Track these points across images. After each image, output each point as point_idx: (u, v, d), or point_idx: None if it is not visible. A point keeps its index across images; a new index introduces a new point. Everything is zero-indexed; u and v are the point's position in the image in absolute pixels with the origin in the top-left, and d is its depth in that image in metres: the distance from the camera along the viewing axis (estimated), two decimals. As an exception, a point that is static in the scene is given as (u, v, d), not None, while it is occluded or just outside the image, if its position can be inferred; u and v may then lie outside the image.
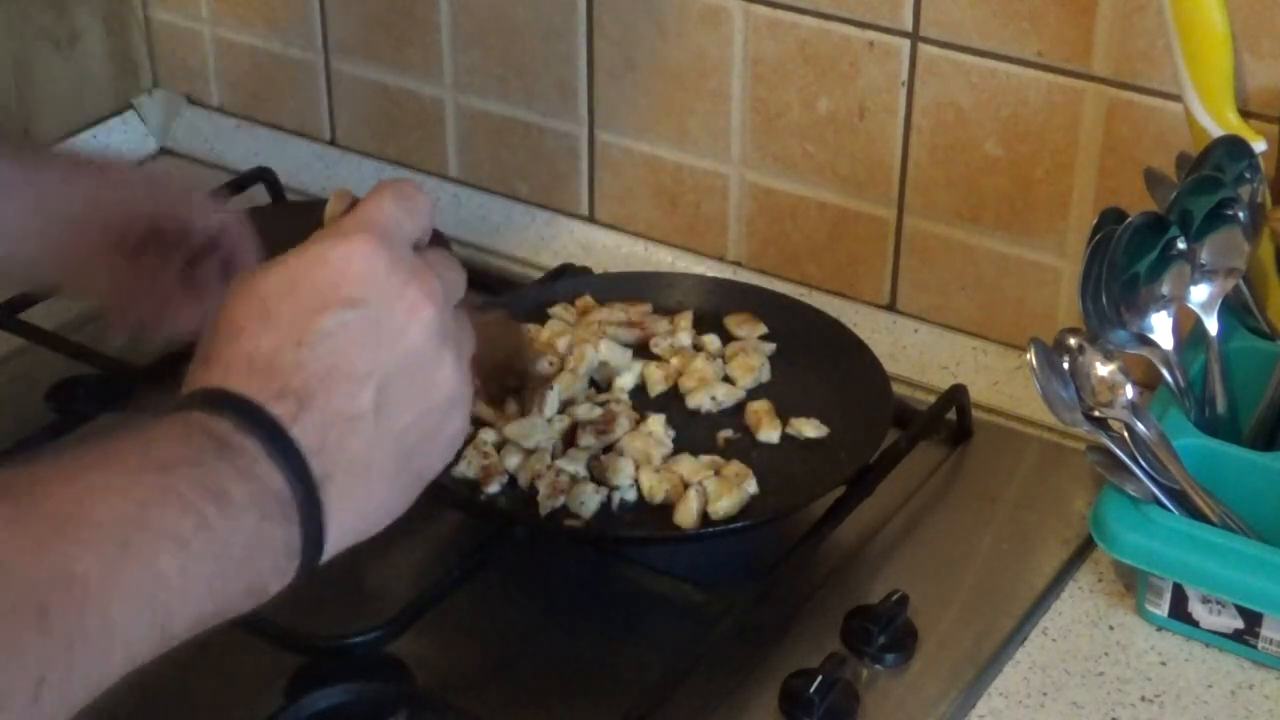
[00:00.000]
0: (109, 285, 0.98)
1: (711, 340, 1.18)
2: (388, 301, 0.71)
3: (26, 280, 0.98)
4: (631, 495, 1.04)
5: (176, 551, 0.64)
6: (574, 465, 1.05)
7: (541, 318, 1.21)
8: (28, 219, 0.98)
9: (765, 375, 1.15)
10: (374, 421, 0.71)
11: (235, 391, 0.69)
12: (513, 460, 1.06)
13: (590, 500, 1.03)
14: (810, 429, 1.10)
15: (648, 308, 1.21)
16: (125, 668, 0.63)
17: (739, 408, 1.13)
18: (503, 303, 1.22)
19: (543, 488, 1.03)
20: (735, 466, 1.06)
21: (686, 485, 1.04)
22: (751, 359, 1.15)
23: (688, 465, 1.05)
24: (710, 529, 1.02)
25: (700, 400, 1.12)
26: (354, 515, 0.71)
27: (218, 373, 0.70)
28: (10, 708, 0.58)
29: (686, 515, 1.02)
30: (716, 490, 1.03)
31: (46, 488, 0.63)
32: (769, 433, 1.09)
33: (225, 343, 0.71)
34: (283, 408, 0.69)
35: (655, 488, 1.04)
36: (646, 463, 1.05)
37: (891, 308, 1.29)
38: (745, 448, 1.09)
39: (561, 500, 1.03)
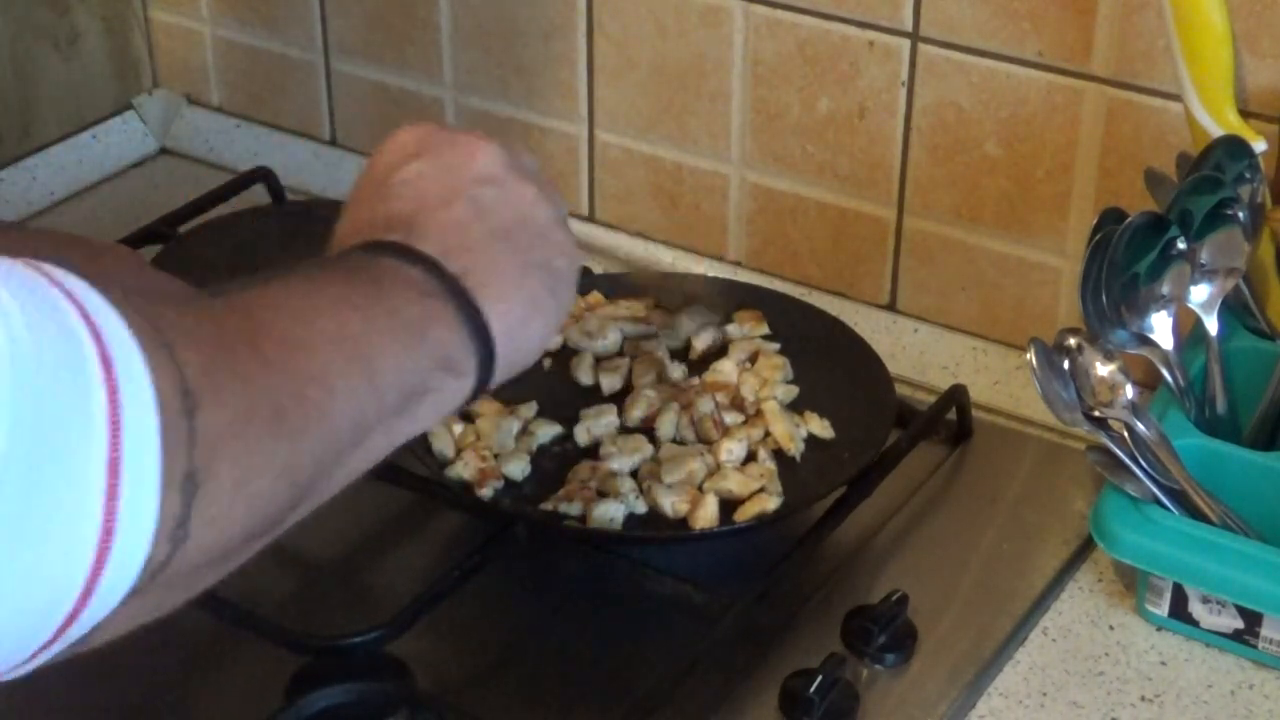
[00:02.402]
0: None
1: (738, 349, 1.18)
2: (445, 148, 0.83)
3: None
4: (642, 508, 1.05)
5: (355, 313, 0.71)
6: (621, 464, 1.07)
7: None
8: None
9: (789, 374, 1.15)
10: (479, 225, 0.80)
11: (353, 243, 0.78)
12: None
13: (616, 512, 1.03)
14: (820, 428, 1.10)
15: (651, 302, 1.22)
16: (353, 422, 0.69)
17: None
18: None
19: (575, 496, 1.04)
20: (763, 468, 1.06)
21: (702, 489, 1.05)
22: (774, 359, 1.16)
23: (736, 480, 1.05)
24: (710, 529, 1.02)
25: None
26: (505, 301, 0.78)
27: (333, 250, 0.80)
28: (257, 423, 0.63)
29: (704, 516, 1.02)
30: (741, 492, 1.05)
31: (229, 291, 0.69)
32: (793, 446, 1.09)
33: (332, 237, 0.82)
34: (395, 235, 0.78)
35: (679, 504, 1.04)
36: (689, 485, 1.06)
37: (891, 308, 1.29)
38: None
39: (578, 508, 1.03)
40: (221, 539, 0.62)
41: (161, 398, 0.58)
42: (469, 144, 0.83)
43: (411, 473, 1.07)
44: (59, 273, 0.58)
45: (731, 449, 1.07)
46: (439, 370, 0.75)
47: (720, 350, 1.18)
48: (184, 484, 0.59)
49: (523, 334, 0.79)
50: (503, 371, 0.78)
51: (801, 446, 1.09)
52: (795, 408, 1.13)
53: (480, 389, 0.77)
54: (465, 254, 0.78)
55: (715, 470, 1.06)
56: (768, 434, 1.09)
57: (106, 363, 0.56)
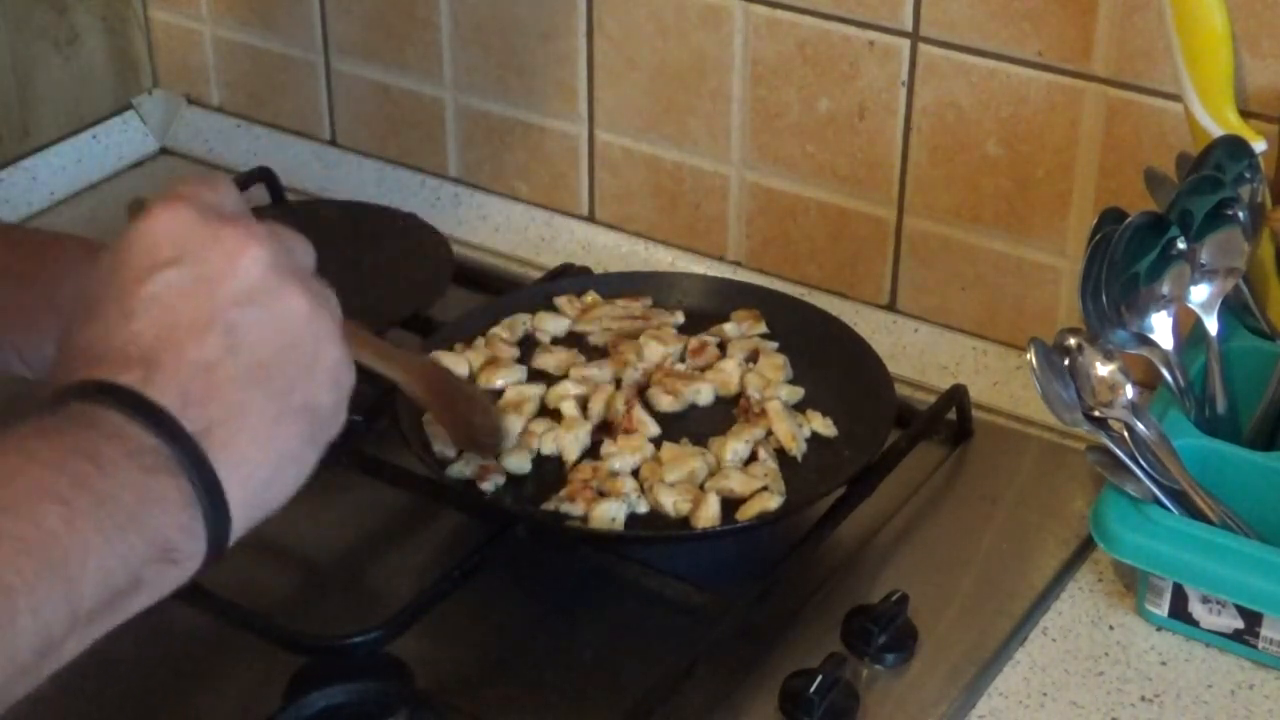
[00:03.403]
0: None
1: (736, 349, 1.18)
2: (204, 251, 0.69)
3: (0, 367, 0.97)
4: (644, 508, 1.05)
5: (57, 507, 0.62)
6: (621, 463, 1.07)
7: (548, 308, 1.22)
8: (7, 300, 0.96)
9: (789, 374, 1.16)
10: (233, 363, 0.68)
11: (80, 380, 0.67)
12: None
13: (618, 512, 1.03)
14: (823, 426, 1.10)
15: (648, 301, 1.22)
16: (41, 636, 0.61)
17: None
18: (509, 301, 1.23)
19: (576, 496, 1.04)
20: (765, 467, 1.06)
21: (704, 488, 1.05)
22: (774, 359, 1.16)
23: (738, 479, 1.05)
24: (711, 529, 1.02)
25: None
26: (250, 463, 0.69)
27: (62, 375, 0.69)
28: None
29: (706, 516, 1.02)
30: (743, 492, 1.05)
31: None
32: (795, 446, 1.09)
33: (63, 349, 0.70)
34: (131, 376, 0.67)
35: (680, 503, 1.04)
36: (691, 485, 1.05)
37: (891, 308, 1.29)
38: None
39: (580, 508, 1.03)
40: None
41: None
42: (232, 246, 0.69)
43: (411, 473, 1.07)
44: None
45: (735, 449, 1.07)
46: (156, 562, 0.65)
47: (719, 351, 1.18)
48: None
49: (266, 498, 0.70)
50: (238, 535, 0.69)
51: (804, 447, 1.09)
52: (797, 407, 1.13)
53: (208, 565, 0.68)
54: (209, 404, 0.67)
55: (717, 470, 1.06)
56: (769, 433, 1.09)
57: None
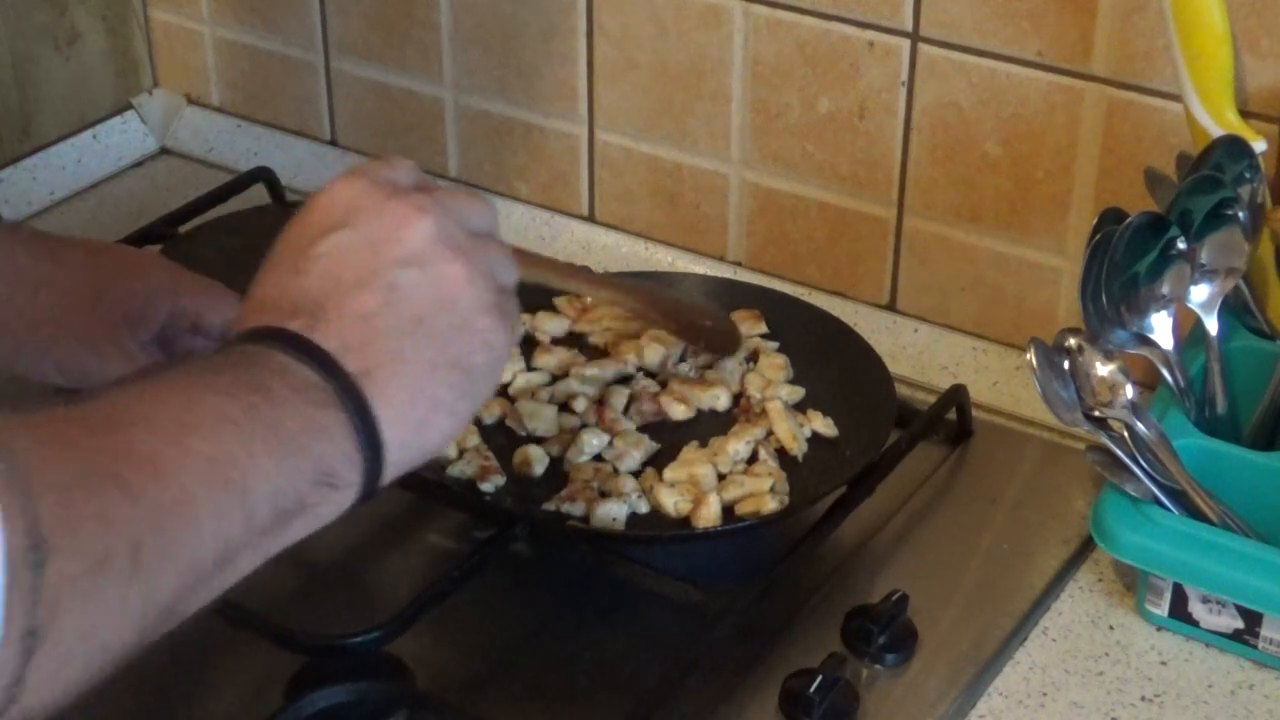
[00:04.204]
0: (117, 375, 0.98)
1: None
2: (374, 218, 0.76)
3: (32, 370, 0.99)
4: (644, 508, 1.05)
5: (232, 429, 0.68)
6: (628, 463, 1.07)
7: (548, 308, 1.22)
8: (45, 310, 0.98)
9: (790, 374, 1.16)
10: (391, 316, 0.74)
11: (251, 326, 0.74)
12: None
13: (619, 512, 1.03)
14: (824, 426, 1.10)
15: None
16: (220, 545, 0.66)
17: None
18: None
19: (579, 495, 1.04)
20: (768, 468, 1.07)
21: (704, 488, 1.05)
22: (774, 359, 1.16)
23: (741, 480, 1.05)
24: (711, 529, 1.02)
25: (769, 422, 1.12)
26: (404, 405, 0.74)
27: (238, 327, 0.75)
28: (111, 569, 0.61)
29: (707, 516, 1.02)
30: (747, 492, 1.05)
31: (104, 399, 0.67)
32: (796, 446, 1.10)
33: (243, 306, 0.77)
34: (297, 323, 0.73)
35: (680, 503, 1.04)
36: (693, 486, 1.05)
37: (891, 308, 1.29)
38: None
39: (582, 508, 1.03)
40: (59, 693, 0.60)
41: (9, 549, 0.56)
42: (400, 214, 0.76)
43: (411, 472, 1.07)
44: None
45: (736, 449, 1.07)
46: (319, 486, 0.71)
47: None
48: (23, 640, 0.57)
49: (420, 440, 0.75)
50: (394, 473, 0.74)
51: (805, 447, 1.09)
52: (798, 407, 1.13)
53: (364, 498, 0.73)
54: (368, 350, 0.73)
55: (726, 476, 1.06)
56: (769, 434, 1.09)
57: None
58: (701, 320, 1.13)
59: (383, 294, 0.74)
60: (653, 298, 1.11)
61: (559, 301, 1.22)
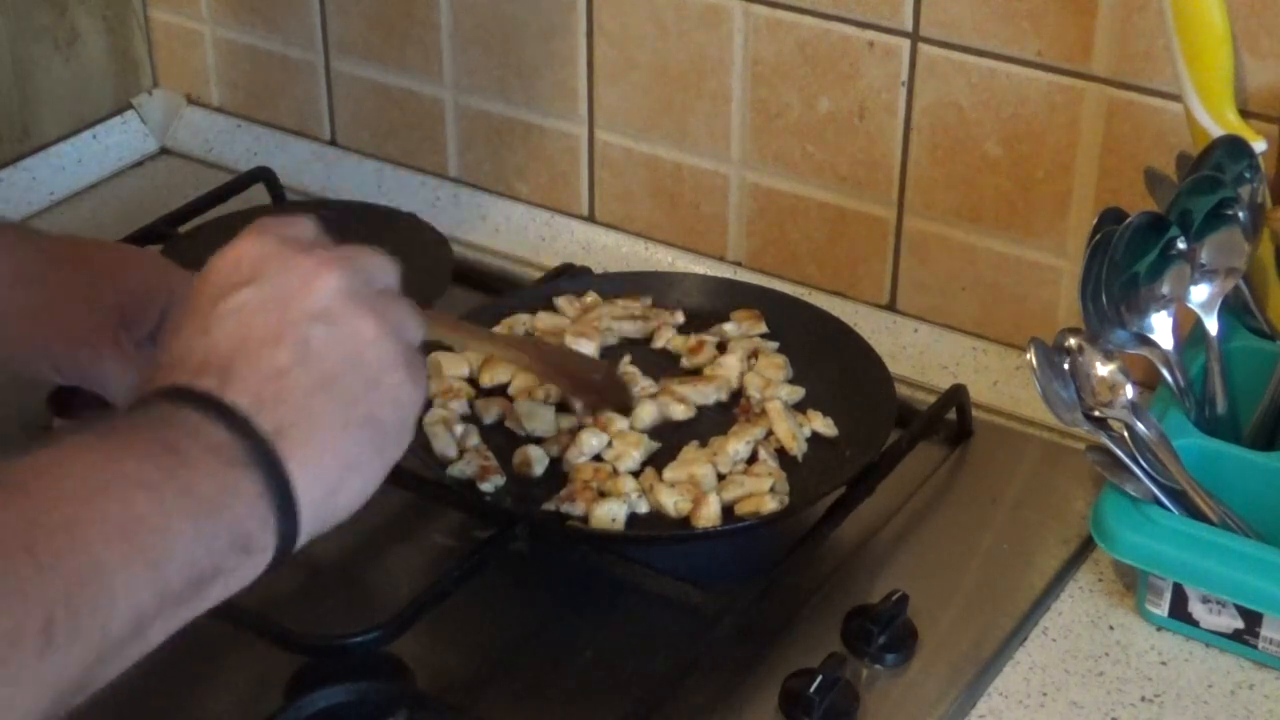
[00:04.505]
0: (117, 374, 0.99)
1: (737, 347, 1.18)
2: (281, 274, 0.75)
3: (28, 368, 0.99)
4: (644, 508, 1.05)
5: (146, 493, 0.66)
6: (627, 463, 1.07)
7: (548, 308, 1.22)
8: (42, 308, 0.98)
9: (789, 374, 1.16)
10: (302, 373, 0.73)
11: (161, 385, 0.72)
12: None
13: (618, 512, 1.03)
14: (824, 426, 1.10)
15: (648, 301, 1.22)
16: (132, 616, 0.65)
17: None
18: (509, 301, 1.23)
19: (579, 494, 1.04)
20: (768, 468, 1.06)
21: (704, 487, 1.05)
22: (774, 359, 1.16)
23: (746, 485, 1.05)
24: (711, 529, 1.02)
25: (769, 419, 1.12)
26: (318, 466, 0.73)
27: (147, 385, 0.74)
28: (23, 645, 0.60)
29: (707, 515, 1.02)
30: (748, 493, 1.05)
31: (11, 467, 0.65)
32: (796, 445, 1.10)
33: (153, 364, 0.76)
34: (207, 381, 0.72)
35: (680, 503, 1.04)
36: (693, 486, 1.05)
37: (891, 308, 1.29)
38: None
39: (581, 508, 1.03)
40: None
41: None
42: (307, 270, 0.75)
43: (412, 473, 1.07)
44: None
45: (736, 449, 1.07)
46: (234, 551, 0.69)
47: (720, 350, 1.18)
48: None
49: (334, 500, 0.74)
50: (307, 537, 0.73)
51: (804, 447, 1.09)
52: (798, 407, 1.13)
53: (278, 561, 0.72)
54: (280, 409, 0.72)
55: (726, 476, 1.06)
56: (769, 433, 1.09)
57: None
58: (591, 374, 1.11)
59: (294, 350, 0.73)
60: (539, 352, 1.10)
61: (559, 301, 1.22)
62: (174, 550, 0.66)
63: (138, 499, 0.66)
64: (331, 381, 0.74)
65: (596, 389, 1.10)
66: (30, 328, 0.98)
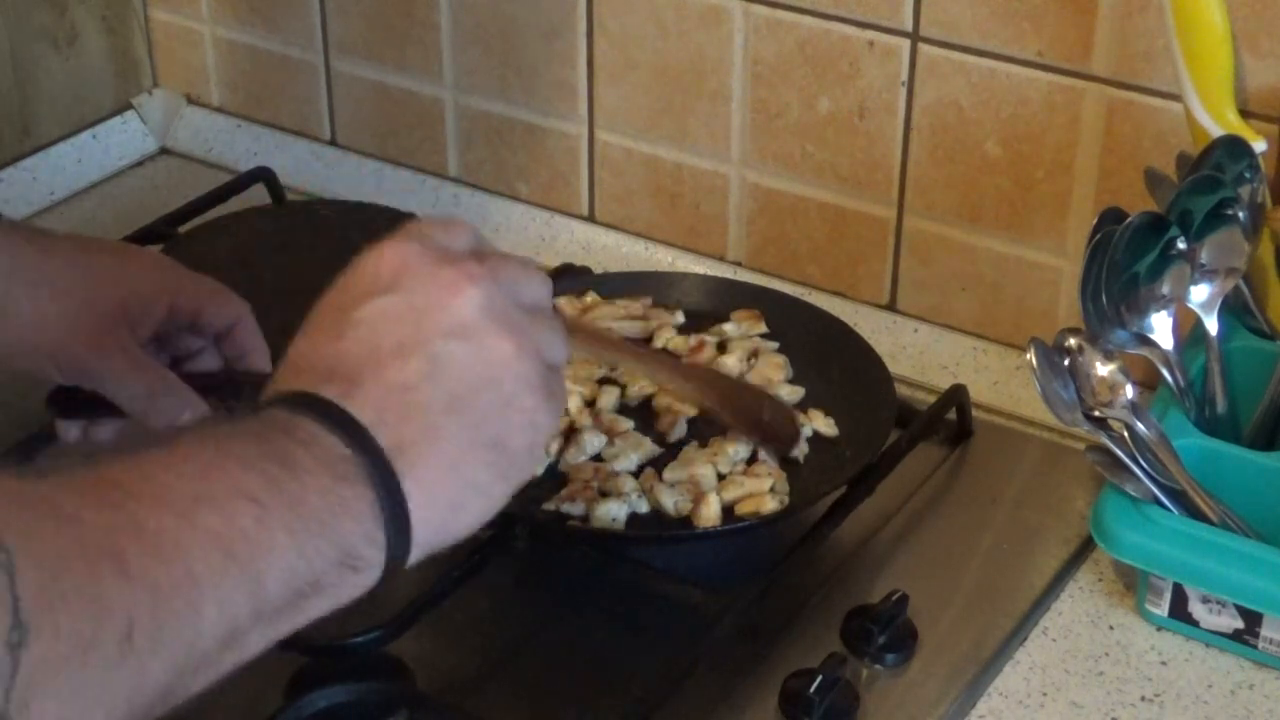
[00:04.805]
0: (119, 374, 0.99)
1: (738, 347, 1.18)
2: (421, 284, 0.73)
3: (31, 368, 0.99)
4: (644, 508, 1.05)
5: (249, 505, 0.64)
6: (624, 464, 1.07)
7: None
8: (44, 307, 0.98)
9: (789, 374, 1.16)
10: (431, 389, 0.71)
11: (284, 389, 0.71)
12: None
13: (619, 512, 1.03)
14: (825, 425, 1.10)
15: (649, 301, 1.22)
16: (225, 627, 0.64)
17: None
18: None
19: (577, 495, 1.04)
20: (769, 468, 1.07)
21: (704, 488, 1.05)
22: (774, 359, 1.16)
23: (742, 480, 1.05)
24: (711, 529, 1.02)
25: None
26: (437, 485, 0.71)
27: (272, 388, 0.72)
28: (101, 651, 0.59)
29: (707, 515, 1.02)
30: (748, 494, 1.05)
31: (114, 465, 0.64)
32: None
33: (279, 367, 0.74)
34: (332, 390, 0.70)
35: (681, 503, 1.04)
36: (693, 486, 1.05)
37: (891, 308, 1.29)
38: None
39: (581, 508, 1.03)
40: None
41: None
42: (449, 283, 0.73)
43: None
44: None
45: (736, 450, 1.07)
46: (339, 567, 0.67)
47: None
48: None
49: (449, 523, 0.72)
50: (419, 555, 0.71)
51: (805, 448, 1.09)
52: (799, 406, 1.13)
53: (387, 578, 0.70)
54: (404, 424, 0.70)
55: (726, 476, 1.06)
56: None
57: None
58: (759, 412, 1.05)
59: (424, 365, 0.71)
60: (709, 384, 1.05)
61: (559, 301, 1.22)
62: (274, 564, 0.65)
63: (239, 510, 0.64)
64: (461, 400, 0.71)
65: (763, 428, 1.05)
66: (34, 328, 0.98)
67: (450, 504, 0.71)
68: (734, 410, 1.04)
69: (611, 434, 1.09)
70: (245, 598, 0.64)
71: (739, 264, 1.34)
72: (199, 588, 0.62)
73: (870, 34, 1.21)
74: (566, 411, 1.11)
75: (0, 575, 0.55)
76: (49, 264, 0.99)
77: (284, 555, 0.65)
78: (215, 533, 0.63)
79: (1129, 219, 0.99)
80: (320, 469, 0.67)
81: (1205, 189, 1.02)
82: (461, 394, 0.72)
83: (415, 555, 0.70)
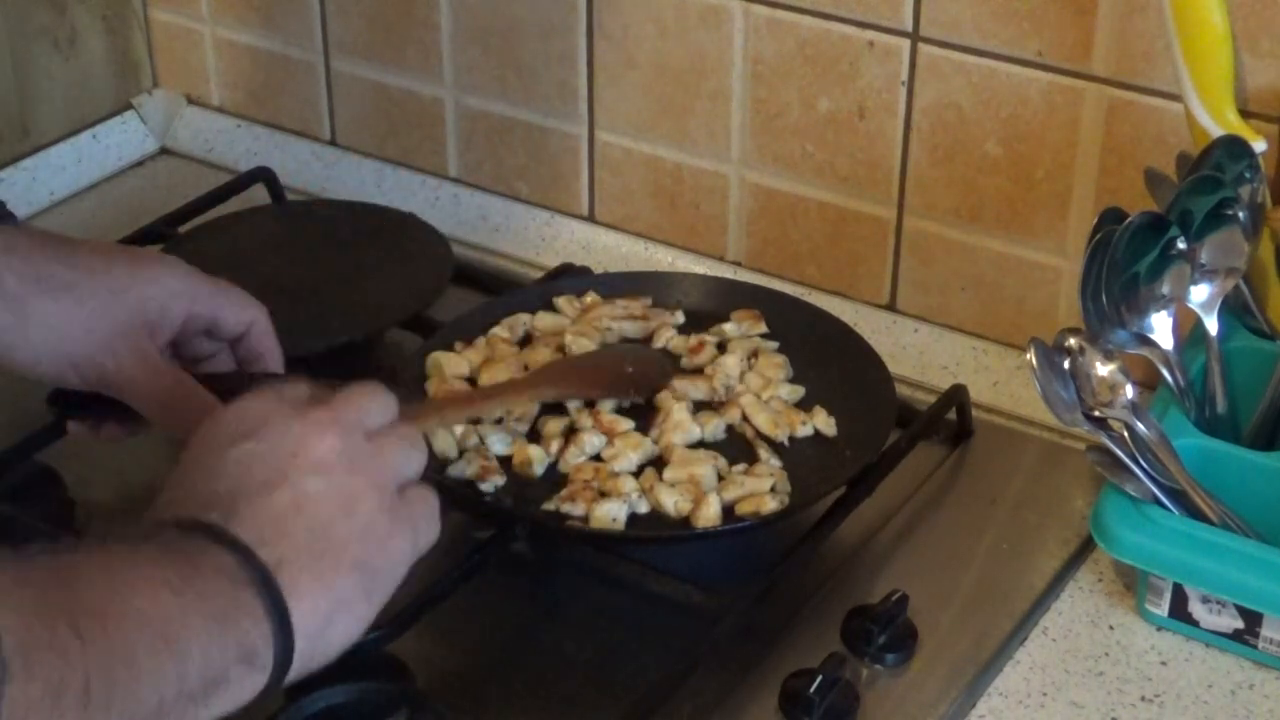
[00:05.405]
0: (139, 380, 1.00)
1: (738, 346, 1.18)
2: (280, 432, 0.81)
3: (51, 374, 1.01)
4: (644, 508, 1.05)
5: (170, 593, 0.72)
6: (625, 464, 1.07)
7: (548, 308, 1.22)
8: (65, 314, 0.99)
9: (789, 373, 1.16)
10: (299, 517, 0.78)
11: (170, 515, 0.78)
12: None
13: (619, 512, 1.03)
14: (825, 425, 1.10)
15: (649, 301, 1.22)
16: (155, 703, 0.70)
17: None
18: (509, 301, 1.22)
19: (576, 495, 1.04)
20: (769, 468, 1.06)
21: (704, 487, 1.05)
22: (774, 359, 1.16)
23: (741, 480, 1.05)
24: (711, 529, 1.02)
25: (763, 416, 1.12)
26: (312, 598, 0.77)
27: (150, 517, 0.79)
28: (66, 699, 0.66)
29: (707, 515, 1.02)
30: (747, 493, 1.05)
31: (57, 554, 0.72)
32: (779, 432, 1.10)
33: (158, 501, 0.80)
34: (214, 516, 0.77)
35: (681, 503, 1.04)
36: (692, 485, 1.05)
37: (891, 308, 1.29)
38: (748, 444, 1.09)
39: (581, 508, 1.03)
40: None
41: None
42: (303, 432, 0.81)
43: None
44: None
45: (715, 426, 1.09)
46: (240, 662, 0.74)
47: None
48: None
49: (326, 634, 0.78)
50: (299, 669, 0.77)
51: (787, 431, 1.09)
52: (799, 406, 1.13)
53: (273, 685, 0.76)
54: (280, 544, 0.77)
55: (727, 474, 1.06)
56: (759, 433, 1.10)
57: None
58: (620, 369, 1.14)
59: (290, 497, 0.78)
60: (559, 376, 1.12)
61: (559, 301, 1.22)
62: (192, 649, 0.71)
63: (164, 598, 0.71)
64: (324, 529, 0.79)
65: (634, 379, 1.13)
66: (55, 335, 0.99)
67: (325, 617, 0.78)
68: (594, 384, 1.12)
69: (611, 434, 1.09)
70: (172, 677, 0.70)
71: (739, 264, 1.34)
72: (137, 661, 0.69)
73: (870, 34, 1.21)
74: (566, 412, 1.11)
75: None
76: (69, 271, 1.00)
77: (200, 641, 0.72)
78: (145, 613, 0.70)
79: (1129, 219, 0.99)
80: (218, 574, 0.74)
81: (1205, 189, 1.02)
82: (323, 523, 0.79)
83: (296, 667, 0.77)
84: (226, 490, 0.78)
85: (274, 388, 0.84)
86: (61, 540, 0.74)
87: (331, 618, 0.78)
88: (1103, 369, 1.00)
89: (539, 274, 1.33)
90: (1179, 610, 1.00)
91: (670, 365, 1.15)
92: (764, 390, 1.13)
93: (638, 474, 1.07)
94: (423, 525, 0.84)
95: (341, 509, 0.80)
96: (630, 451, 1.07)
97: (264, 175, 1.42)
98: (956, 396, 1.16)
